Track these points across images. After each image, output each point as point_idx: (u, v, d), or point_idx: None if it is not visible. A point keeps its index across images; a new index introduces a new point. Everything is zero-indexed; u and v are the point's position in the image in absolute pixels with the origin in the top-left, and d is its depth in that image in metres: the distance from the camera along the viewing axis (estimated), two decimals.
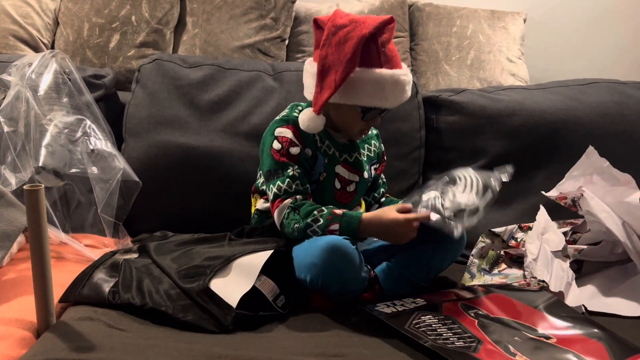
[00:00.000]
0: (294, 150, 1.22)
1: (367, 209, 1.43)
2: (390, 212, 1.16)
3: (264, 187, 1.30)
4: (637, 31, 2.51)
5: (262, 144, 1.28)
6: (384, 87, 1.17)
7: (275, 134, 1.24)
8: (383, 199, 1.44)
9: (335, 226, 1.15)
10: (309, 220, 1.16)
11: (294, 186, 1.21)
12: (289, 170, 1.21)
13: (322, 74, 1.17)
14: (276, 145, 1.23)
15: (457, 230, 1.13)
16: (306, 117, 1.21)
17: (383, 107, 1.22)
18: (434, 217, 1.14)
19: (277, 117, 1.29)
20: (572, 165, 1.40)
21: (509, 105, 1.67)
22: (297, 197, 1.20)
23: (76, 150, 1.33)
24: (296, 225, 1.17)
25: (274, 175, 1.22)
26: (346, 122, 1.26)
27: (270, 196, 1.22)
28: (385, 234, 1.17)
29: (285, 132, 1.23)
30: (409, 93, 1.23)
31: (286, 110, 1.30)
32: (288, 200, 1.19)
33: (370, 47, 1.16)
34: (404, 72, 1.20)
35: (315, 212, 1.17)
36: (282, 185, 1.20)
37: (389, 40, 1.19)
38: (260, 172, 1.33)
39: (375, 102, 1.19)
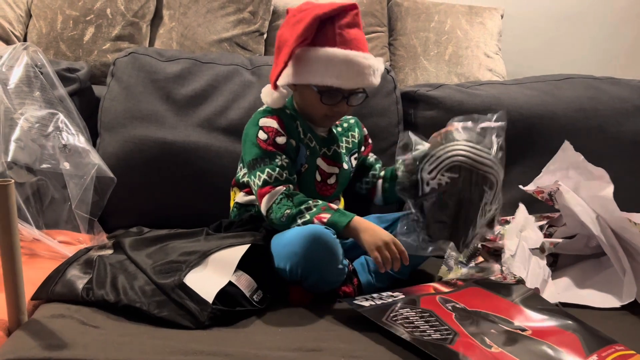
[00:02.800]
0: (280, 139, 1.22)
1: (372, 190, 1.41)
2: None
3: (245, 180, 1.29)
4: (612, 27, 2.55)
5: (244, 135, 1.28)
6: (335, 65, 1.17)
7: (260, 124, 1.24)
8: (382, 173, 1.42)
9: (327, 215, 1.15)
10: (302, 207, 1.16)
11: (284, 174, 1.21)
12: (277, 160, 1.21)
13: (277, 51, 1.22)
14: (262, 135, 1.23)
15: (427, 251, 1.16)
16: (264, 94, 1.26)
17: (335, 86, 1.19)
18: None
19: (261, 109, 1.29)
20: (548, 160, 1.41)
21: (485, 101, 1.69)
22: (290, 185, 1.20)
23: (47, 145, 1.31)
24: (287, 211, 1.16)
25: (260, 163, 1.21)
26: (309, 105, 1.26)
27: (258, 182, 1.20)
28: (370, 232, 1.14)
29: (270, 122, 1.23)
30: (370, 79, 1.20)
31: None
32: (281, 187, 1.19)
33: (327, 28, 1.17)
34: (362, 55, 1.18)
35: (310, 201, 1.18)
36: (272, 172, 1.20)
37: (350, 25, 1.19)
38: (241, 164, 1.33)
39: (326, 79, 1.18)
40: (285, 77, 1.21)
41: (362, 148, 1.42)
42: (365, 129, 1.45)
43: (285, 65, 1.18)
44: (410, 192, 1.20)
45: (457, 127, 1.21)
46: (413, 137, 1.23)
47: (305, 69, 1.18)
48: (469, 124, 1.22)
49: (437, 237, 1.17)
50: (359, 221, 1.15)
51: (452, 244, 1.18)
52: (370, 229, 1.14)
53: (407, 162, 1.21)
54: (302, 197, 1.19)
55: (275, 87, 1.22)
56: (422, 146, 1.21)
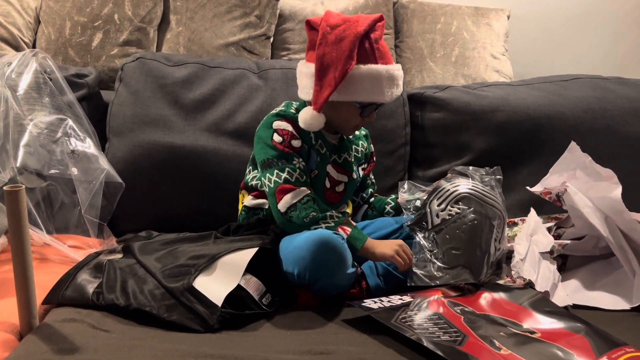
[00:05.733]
0: (296, 142, 1.24)
1: (355, 210, 1.44)
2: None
3: (254, 183, 1.29)
4: (618, 27, 2.54)
5: (257, 137, 1.28)
6: (381, 82, 1.20)
7: (274, 127, 1.25)
8: (372, 199, 1.45)
9: (348, 228, 1.17)
10: (327, 213, 1.18)
11: (304, 177, 1.22)
12: (295, 162, 1.22)
13: (320, 72, 1.18)
14: (277, 137, 1.23)
15: (443, 279, 1.17)
16: (308, 116, 1.21)
17: (380, 102, 1.24)
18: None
19: (273, 112, 1.29)
20: (556, 160, 1.41)
21: (493, 102, 1.68)
22: (312, 190, 1.21)
23: (56, 151, 1.32)
24: (314, 213, 1.17)
25: (278, 162, 1.22)
26: (343, 119, 1.27)
27: (277, 180, 1.20)
28: (383, 244, 1.18)
29: (285, 125, 1.24)
30: (401, 88, 1.26)
31: (282, 107, 1.31)
32: (305, 189, 1.20)
33: (365, 44, 1.19)
34: (396, 67, 1.24)
35: (333, 211, 1.20)
36: (293, 173, 1.21)
37: (381, 37, 1.22)
38: (250, 167, 1.33)
39: (373, 97, 1.21)
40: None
41: (365, 165, 1.43)
42: (372, 146, 1.45)
43: (336, 87, 1.17)
44: (419, 225, 1.23)
45: (458, 172, 1.30)
46: (413, 184, 1.33)
47: (352, 87, 1.19)
48: (470, 169, 1.30)
49: (454, 264, 1.18)
50: (370, 240, 1.18)
51: (468, 272, 1.19)
52: (382, 242, 1.19)
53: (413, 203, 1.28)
54: (324, 205, 1.22)
55: (320, 109, 1.20)
56: (422, 192, 1.29)
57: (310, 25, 1.24)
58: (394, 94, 1.23)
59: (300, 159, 1.23)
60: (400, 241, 1.19)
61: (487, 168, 1.32)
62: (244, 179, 1.36)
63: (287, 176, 1.20)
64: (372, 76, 1.19)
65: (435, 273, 1.17)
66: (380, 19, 1.22)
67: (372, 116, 1.28)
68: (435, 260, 1.18)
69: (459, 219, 1.20)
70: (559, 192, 1.38)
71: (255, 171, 1.31)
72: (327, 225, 1.16)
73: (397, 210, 1.40)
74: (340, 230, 1.16)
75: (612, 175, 1.29)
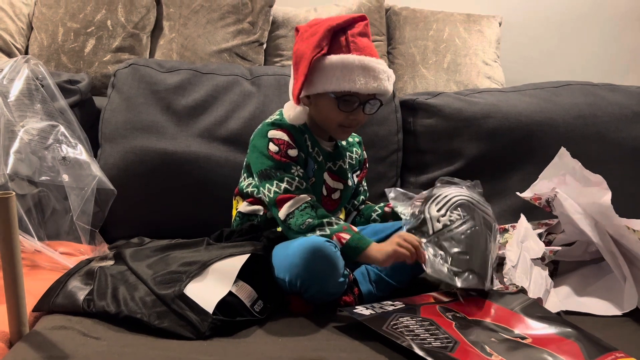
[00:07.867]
0: (292, 152, 1.23)
1: (347, 216, 1.44)
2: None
3: (249, 190, 1.29)
4: (609, 34, 2.56)
5: (252, 146, 1.28)
6: (352, 71, 1.18)
7: (269, 136, 1.24)
8: (362, 206, 1.45)
9: (347, 235, 1.15)
10: (324, 220, 1.17)
11: (304, 184, 1.22)
12: (293, 170, 1.22)
13: (295, 66, 1.22)
14: (273, 147, 1.23)
15: (453, 282, 1.15)
16: (287, 108, 1.25)
17: (353, 91, 1.20)
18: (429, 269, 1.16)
19: (268, 120, 1.29)
20: (546, 167, 1.41)
21: (484, 108, 1.69)
22: (313, 197, 1.21)
23: (47, 157, 1.32)
24: (309, 220, 1.16)
25: (276, 172, 1.21)
26: (325, 115, 1.26)
27: (277, 190, 1.20)
28: (382, 244, 1.16)
29: (280, 135, 1.24)
30: (386, 85, 1.22)
31: (276, 115, 1.31)
32: (306, 196, 1.19)
33: (340, 37, 1.20)
34: (376, 60, 1.21)
35: (332, 217, 1.19)
36: (292, 181, 1.20)
37: (362, 34, 1.22)
38: (245, 174, 1.33)
39: (343, 84, 1.19)
40: (304, 90, 1.22)
41: (359, 172, 1.43)
42: (365, 152, 1.45)
43: (306, 77, 1.19)
44: (420, 230, 1.22)
45: (447, 181, 1.31)
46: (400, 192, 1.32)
47: (322, 78, 1.20)
48: (455, 180, 1.31)
49: (463, 268, 1.16)
50: (376, 246, 1.15)
51: (477, 278, 1.17)
52: (382, 244, 1.16)
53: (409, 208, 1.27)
54: (324, 211, 1.20)
55: (298, 101, 1.22)
56: (409, 199, 1.29)
57: (298, 31, 1.27)
58: (370, 85, 1.19)
59: (299, 167, 1.23)
60: (397, 235, 1.16)
61: (469, 180, 1.33)
62: (239, 185, 1.35)
63: (287, 186, 1.20)
64: (343, 65, 1.18)
65: (448, 273, 1.15)
66: (362, 18, 1.23)
67: (357, 114, 1.24)
68: (444, 264, 1.17)
69: (461, 224, 1.20)
70: (549, 197, 1.39)
71: (250, 178, 1.31)
72: (322, 232, 1.16)
73: (383, 218, 1.40)
74: (335, 238, 1.15)
75: (601, 180, 1.29)
